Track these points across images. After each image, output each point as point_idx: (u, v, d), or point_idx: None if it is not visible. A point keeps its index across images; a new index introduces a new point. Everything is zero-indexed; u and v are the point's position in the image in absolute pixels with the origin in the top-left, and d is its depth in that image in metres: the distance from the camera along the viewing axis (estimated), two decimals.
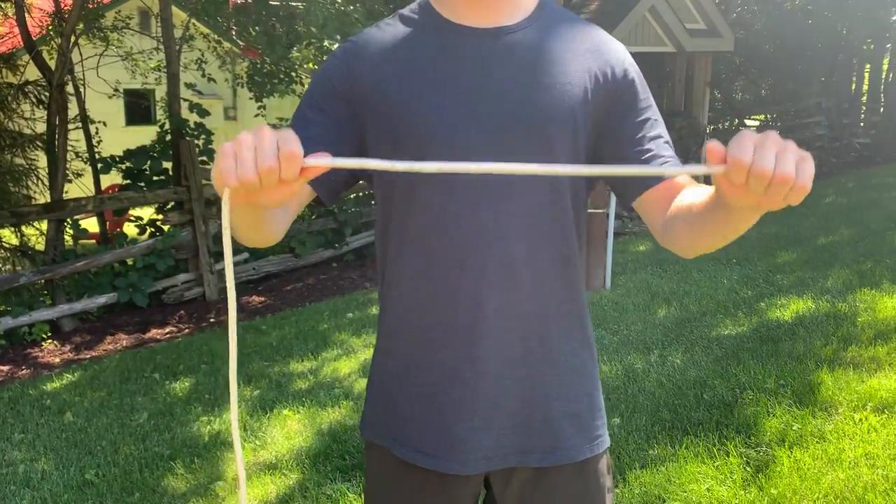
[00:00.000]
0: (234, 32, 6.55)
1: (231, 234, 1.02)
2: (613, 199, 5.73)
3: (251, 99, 7.67)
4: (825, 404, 3.34)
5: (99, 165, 6.68)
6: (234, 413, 0.82)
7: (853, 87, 16.82)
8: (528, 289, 1.10)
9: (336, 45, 1.26)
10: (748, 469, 2.84)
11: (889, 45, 16.57)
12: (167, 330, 5.65)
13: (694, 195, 1.02)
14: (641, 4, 8.55)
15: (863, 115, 16.64)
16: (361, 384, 3.97)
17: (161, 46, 6.77)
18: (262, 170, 0.76)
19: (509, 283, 1.09)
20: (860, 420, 3.17)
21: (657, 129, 1.13)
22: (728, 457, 2.93)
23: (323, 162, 0.77)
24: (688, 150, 9.85)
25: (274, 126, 1.02)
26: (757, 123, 15.34)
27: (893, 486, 2.65)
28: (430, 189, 1.08)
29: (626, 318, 4.91)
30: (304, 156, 0.78)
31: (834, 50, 14.55)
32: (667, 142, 1.14)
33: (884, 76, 17.50)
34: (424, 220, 1.09)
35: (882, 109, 16.85)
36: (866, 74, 17.57)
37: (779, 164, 0.75)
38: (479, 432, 1.12)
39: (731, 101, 15.68)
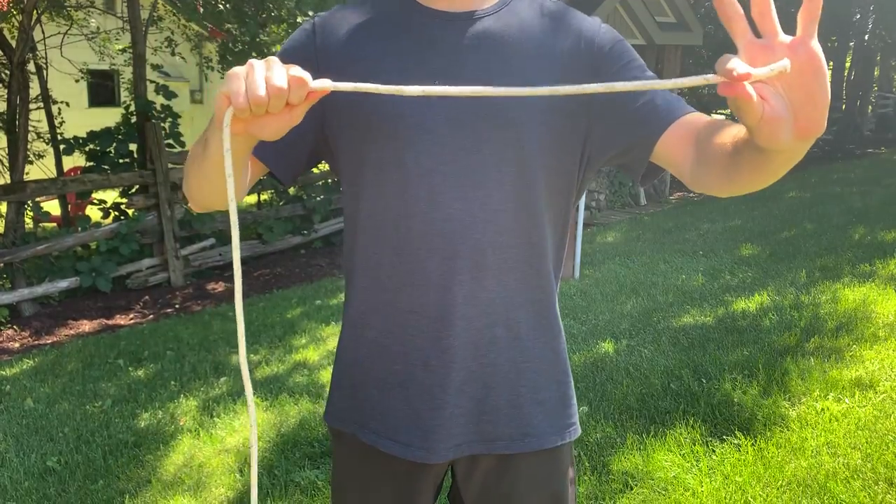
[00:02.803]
0: (201, 10, 6.40)
1: (193, 187, 1.03)
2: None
3: (222, 80, 7.55)
4: (788, 394, 3.41)
5: (61, 147, 6.53)
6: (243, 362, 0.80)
7: None
8: (496, 276, 1.09)
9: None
10: (714, 457, 2.89)
11: (852, 44, 16.89)
12: (131, 315, 5.55)
13: (723, 134, 0.89)
14: None
15: None
16: (330, 372, 3.94)
17: (127, 27, 6.61)
18: (272, 89, 0.76)
19: (477, 271, 1.08)
20: (822, 409, 3.23)
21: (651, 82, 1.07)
22: (694, 445, 2.97)
23: (325, 85, 0.79)
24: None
25: None
26: (723, 118, 15.53)
27: (853, 474, 2.71)
28: (399, 176, 1.07)
29: (594, 307, 4.95)
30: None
31: None
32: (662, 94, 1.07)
33: (845, 74, 17.86)
34: (393, 207, 1.08)
35: (843, 107, 17.20)
36: (829, 71, 17.89)
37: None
38: (448, 420, 1.12)
39: (698, 94, 15.84)
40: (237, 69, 0.79)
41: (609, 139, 1.10)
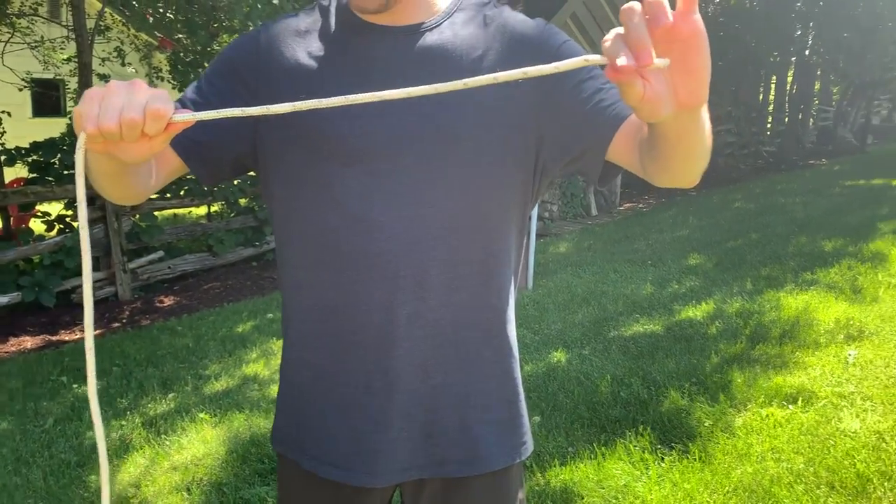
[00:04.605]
0: (151, 20, 6.30)
1: (92, 183, 0.97)
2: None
3: (173, 89, 7.44)
4: (735, 401, 3.48)
5: (3, 158, 6.34)
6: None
7: (760, 97, 17.63)
8: (442, 296, 1.06)
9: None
10: (663, 465, 2.93)
11: (794, 59, 17.42)
12: (76, 331, 5.41)
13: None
14: (563, 11, 8.71)
15: (769, 125, 17.45)
16: None
17: (72, 35, 6.48)
18: (124, 121, 0.73)
19: (421, 291, 1.05)
20: (767, 416, 3.31)
21: (597, 82, 1.04)
22: (644, 453, 3.01)
23: (187, 117, 0.75)
24: None
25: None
26: None
27: (797, 478, 2.78)
28: (340, 195, 1.03)
29: (546, 317, 4.99)
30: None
31: (743, 62, 15.18)
32: (611, 89, 1.04)
33: (788, 87, 18.41)
34: (334, 228, 1.04)
35: (787, 119, 17.72)
36: (772, 86, 18.43)
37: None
38: (393, 444, 1.09)
39: None
40: (95, 90, 0.75)
41: (561, 146, 1.07)
